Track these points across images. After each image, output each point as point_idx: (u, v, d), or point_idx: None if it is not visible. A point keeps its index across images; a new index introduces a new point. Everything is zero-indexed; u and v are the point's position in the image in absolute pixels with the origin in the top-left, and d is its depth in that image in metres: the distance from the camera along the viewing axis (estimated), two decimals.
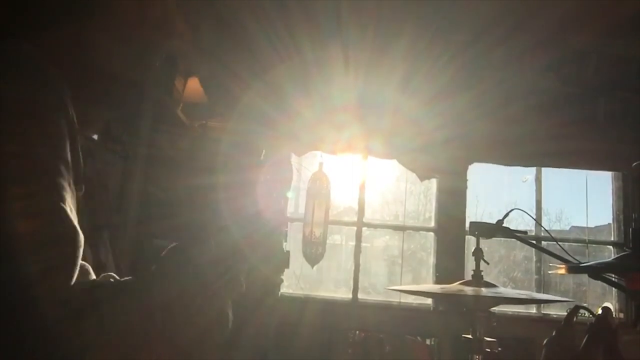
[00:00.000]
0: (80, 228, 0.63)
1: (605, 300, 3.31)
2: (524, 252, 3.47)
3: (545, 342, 1.02)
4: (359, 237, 3.32)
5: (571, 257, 1.27)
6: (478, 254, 1.34)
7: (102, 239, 0.74)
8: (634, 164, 1.35)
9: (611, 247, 3.37)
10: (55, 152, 0.53)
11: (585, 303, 2.82)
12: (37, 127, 0.52)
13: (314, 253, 3.16)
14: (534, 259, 3.41)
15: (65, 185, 0.53)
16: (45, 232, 0.50)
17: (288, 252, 3.14)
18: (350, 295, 3.27)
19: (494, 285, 1.34)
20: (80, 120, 0.71)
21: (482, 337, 1.26)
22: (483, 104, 3.17)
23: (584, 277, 3.20)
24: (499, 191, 3.66)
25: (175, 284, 0.61)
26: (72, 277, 0.51)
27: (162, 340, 0.57)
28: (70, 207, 0.53)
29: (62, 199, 0.52)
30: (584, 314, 1.11)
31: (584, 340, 0.95)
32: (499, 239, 2.51)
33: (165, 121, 2.97)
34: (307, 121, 3.13)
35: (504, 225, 1.35)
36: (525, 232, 1.42)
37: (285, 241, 3.20)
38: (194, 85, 3.07)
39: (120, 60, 0.67)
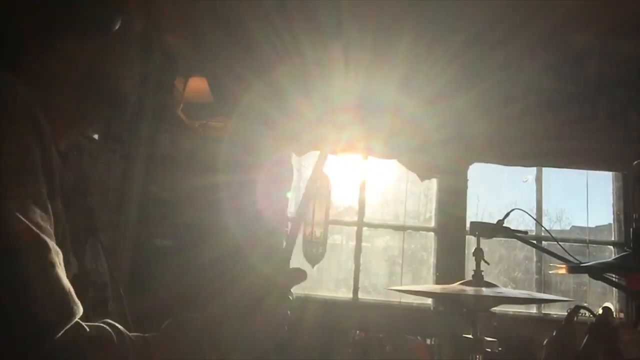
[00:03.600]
0: (63, 236, 0.63)
1: (606, 300, 3.31)
2: (524, 252, 3.47)
3: (545, 342, 1.02)
4: (359, 237, 3.32)
5: (572, 257, 1.27)
6: (479, 254, 1.34)
7: (92, 243, 0.73)
8: (634, 163, 1.35)
9: (612, 247, 3.37)
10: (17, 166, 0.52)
11: (585, 303, 2.82)
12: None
13: (314, 253, 3.16)
14: (535, 259, 3.41)
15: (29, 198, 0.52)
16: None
17: None
18: (350, 295, 3.28)
19: (494, 285, 1.34)
20: (81, 121, 0.71)
21: (483, 337, 1.25)
22: (483, 103, 3.17)
23: (585, 277, 3.20)
24: (499, 191, 3.66)
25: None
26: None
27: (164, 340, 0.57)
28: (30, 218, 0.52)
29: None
30: (585, 313, 1.11)
31: (585, 340, 0.95)
32: (499, 239, 2.50)
33: (166, 121, 2.97)
34: (308, 121, 3.13)
35: (504, 225, 1.35)
36: (525, 232, 1.42)
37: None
38: (194, 85, 3.07)
39: (123, 65, 0.68)
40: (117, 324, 0.56)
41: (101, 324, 0.55)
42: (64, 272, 0.53)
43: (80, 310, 0.53)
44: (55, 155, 0.60)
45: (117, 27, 0.64)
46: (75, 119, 0.70)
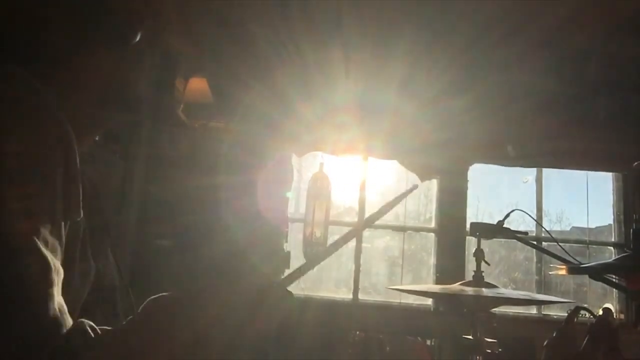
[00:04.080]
0: (83, 241, 0.63)
1: (606, 301, 3.31)
2: (524, 253, 3.47)
3: (545, 343, 1.02)
4: (359, 238, 3.32)
5: (572, 257, 1.27)
6: (479, 254, 1.34)
7: (102, 244, 0.73)
8: (634, 163, 1.35)
9: (612, 247, 3.37)
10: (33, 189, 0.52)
11: (585, 304, 2.82)
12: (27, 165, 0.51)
13: (314, 253, 3.16)
14: (535, 259, 3.41)
15: (43, 218, 0.52)
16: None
17: (288, 252, 3.14)
18: (350, 296, 3.27)
19: (494, 286, 1.34)
20: (100, 126, 0.73)
21: (483, 337, 1.25)
22: (483, 104, 3.17)
23: (585, 278, 3.20)
24: (499, 192, 3.66)
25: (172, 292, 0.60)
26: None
27: (163, 342, 0.57)
28: (45, 240, 0.52)
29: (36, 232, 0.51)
30: (585, 314, 1.11)
31: (585, 341, 0.95)
32: (499, 239, 2.51)
33: (166, 121, 2.97)
34: (308, 122, 3.14)
35: (504, 226, 1.35)
36: (525, 233, 1.42)
37: (286, 241, 3.20)
38: (194, 85, 3.07)
39: (137, 70, 0.71)
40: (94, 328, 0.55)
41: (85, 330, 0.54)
42: (59, 291, 0.53)
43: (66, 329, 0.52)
44: (78, 159, 0.60)
45: (136, 40, 0.67)
46: (96, 124, 0.72)
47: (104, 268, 0.73)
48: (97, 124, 0.73)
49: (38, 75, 0.59)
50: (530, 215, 1.64)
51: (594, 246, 3.41)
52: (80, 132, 0.65)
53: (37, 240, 0.51)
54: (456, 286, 1.34)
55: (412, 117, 3.13)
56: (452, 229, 3.22)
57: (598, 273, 1.12)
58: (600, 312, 1.01)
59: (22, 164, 0.51)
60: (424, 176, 3.30)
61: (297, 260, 3.18)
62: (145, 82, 0.74)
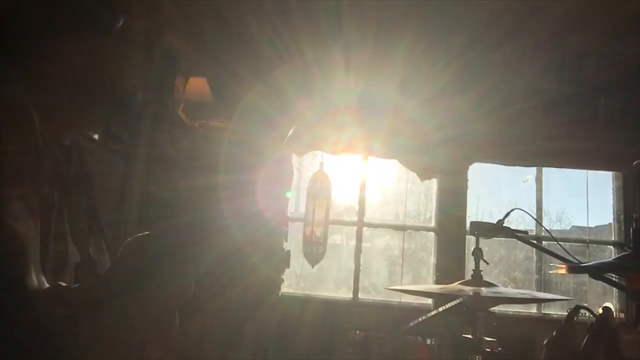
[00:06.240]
0: (59, 220, 0.62)
1: (606, 300, 3.31)
2: (524, 252, 3.47)
3: (545, 342, 1.02)
4: (359, 237, 3.32)
5: (572, 257, 1.27)
6: (477, 253, 1.35)
7: (95, 239, 0.73)
8: (634, 163, 1.36)
9: (612, 246, 3.37)
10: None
11: (585, 303, 2.82)
12: None
13: (314, 253, 3.16)
14: (535, 258, 3.41)
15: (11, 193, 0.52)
16: None
17: (289, 251, 3.14)
18: (350, 295, 3.28)
19: (493, 285, 1.34)
20: (83, 119, 0.71)
21: (482, 336, 1.26)
22: (483, 104, 3.17)
23: (585, 277, 3.20)
24: (499, 191, 3.66)
25: (175, 282, 0.59)
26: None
27: (162, 338, 0.57)
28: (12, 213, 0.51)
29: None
30: (585, 313, 1.11)
31: (585, 340, 0.94)
32: (499, 238, 2.51)
33: (166, 121, 2.97)
34: (308, 121, 3.13)
35: (504, 225, 1.35)
36: (525, 232, 1.42)
37: (286, 241, 3.21)
38: (194, 84, 3.07)
39: (125, 64, 0.68)
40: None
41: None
42: (37, 260, 0.52)
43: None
44: (49, 144, 0.59)
45: (116, 27, 0.64)
46: (77, 117, 0.69)
47: (97, 259, 0.73)
48: (78, 117, 0.70)
49: (13, 69, 0.58)
50: (530, 215, 1.64)
51: (594, 245, 3.41)
52: (57, 122, 0.64)
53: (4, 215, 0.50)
54: (455, 286, 1.35)
55: (412, 116, 3.13)
56: (452, 228, 3.22)
57: (598, 272, 1.12)
58: (600, 311, 1.01)
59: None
60: (424, 175, 3.30)
61: (297, 259, 3.18)
62: (139, 78, 0.71)
